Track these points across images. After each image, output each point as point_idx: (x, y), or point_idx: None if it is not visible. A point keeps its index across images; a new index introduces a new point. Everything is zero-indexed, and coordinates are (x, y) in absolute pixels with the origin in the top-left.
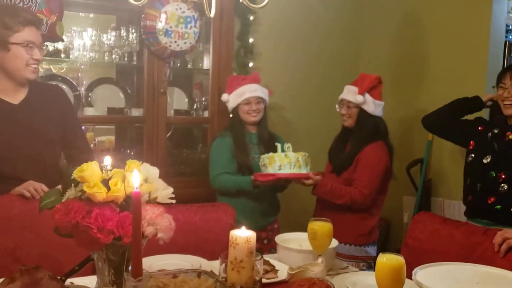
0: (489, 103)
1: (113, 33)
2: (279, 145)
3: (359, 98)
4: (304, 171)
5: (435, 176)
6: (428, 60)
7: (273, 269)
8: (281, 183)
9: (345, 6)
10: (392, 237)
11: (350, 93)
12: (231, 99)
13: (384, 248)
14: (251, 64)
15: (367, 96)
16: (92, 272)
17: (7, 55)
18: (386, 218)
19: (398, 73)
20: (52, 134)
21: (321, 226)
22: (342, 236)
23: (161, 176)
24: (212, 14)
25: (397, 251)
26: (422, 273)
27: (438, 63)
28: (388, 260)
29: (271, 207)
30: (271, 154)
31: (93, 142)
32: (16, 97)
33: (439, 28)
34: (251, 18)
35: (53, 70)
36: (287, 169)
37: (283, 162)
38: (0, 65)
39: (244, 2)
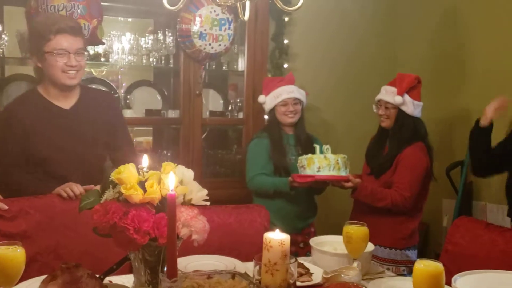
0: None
1: (151, 37)
2: (317, 147)
3: (398, 99)
4: (343, 173)
5: (476, 179)
6: (468, 59)
7: (308, 272)
8: (319, 185)
9: (381, 5)
10: (431, 241)
11: (388, 94)
12: (268, 100)
13: (423, 252)
14: (286, 65)
15: (406, 96)
16: (129, 270)
17: (45, 64)
18: (425, 221)
19: (437, 73)
20: (99, 138)
21: (357, 230)
22: (381, 239)
23: (196, 176)
24: (246, 18)
25: (436, 256)
26: (462, 280)
27: (478, 62)
28: (426, 266)
29: (308, 209)
30: (309, 155)
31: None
32: (67, 102)
33: (478, 27)
34: (286, 19)
35: (94, 73)
36: (326, 171)
37: (322, 164)
38: (45, 73)
39: (278, 5)
